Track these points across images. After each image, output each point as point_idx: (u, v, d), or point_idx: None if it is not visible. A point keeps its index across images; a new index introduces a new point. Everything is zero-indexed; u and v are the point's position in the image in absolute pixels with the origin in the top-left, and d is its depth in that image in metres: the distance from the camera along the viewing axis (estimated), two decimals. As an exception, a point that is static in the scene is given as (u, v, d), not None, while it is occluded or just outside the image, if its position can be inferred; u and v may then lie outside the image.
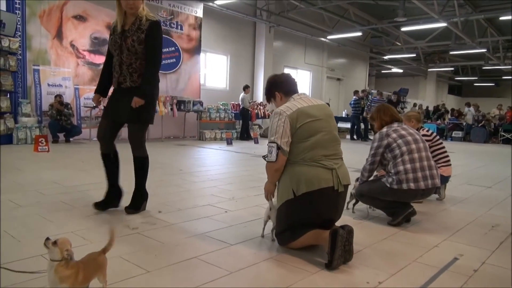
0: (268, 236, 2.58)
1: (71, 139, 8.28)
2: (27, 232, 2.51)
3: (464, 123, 15.53)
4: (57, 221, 2.76)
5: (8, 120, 7.33)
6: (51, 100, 8.01)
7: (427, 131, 4.04)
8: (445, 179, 3.95)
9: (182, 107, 10.23)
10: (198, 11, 11.25)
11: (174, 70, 10.75)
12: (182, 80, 10.98)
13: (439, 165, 3.84)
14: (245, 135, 11.25)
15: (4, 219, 2.74)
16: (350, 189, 2.90)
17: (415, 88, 25.79)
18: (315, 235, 2.25)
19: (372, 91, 17.04)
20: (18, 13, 7.60)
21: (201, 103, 10.68)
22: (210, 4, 11.49)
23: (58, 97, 7.93)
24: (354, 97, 13.14)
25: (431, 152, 3.51)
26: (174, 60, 10.72)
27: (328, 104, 2.53)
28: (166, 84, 10.49)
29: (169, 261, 2.12)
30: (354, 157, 6.45)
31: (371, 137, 11.55)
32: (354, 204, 3.38)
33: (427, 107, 21.46)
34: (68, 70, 8.63)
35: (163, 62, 10.34)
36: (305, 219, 2.32)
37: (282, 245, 2.41)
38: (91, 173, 4.69)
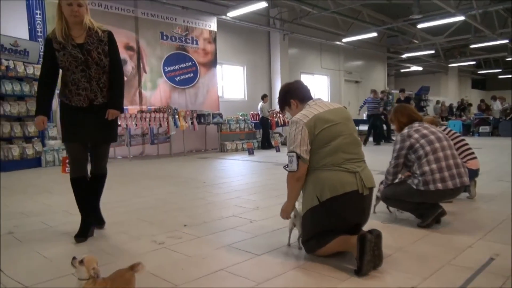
0: (294, 244, 2.56)
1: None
2: (58, 252, 2.56)
3: (491, 117, 15.03)
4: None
5: (36, 144, 7.58)
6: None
7: (444, 129, 3.91)
8: (474, 173, 3.78)
9: (202, 120, 10.32)
10: (212, 25, 11.41)
11: (193, 84, 10.89)
12: (201, 93, 11.11)
13: (464, 159, 3.71)
14: (266, 144, 11.25)
15: (36, 240, 2.83)
16: (375, 192, 2.84)
17: (436, 85, 25.25)
18: (343, 241, 2.20)
19: (393, 91, 16.75)
20: (41, 41, 7.89)
21: (220, 115, 10.76)
22: (223, 17, 11.64)
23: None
24: (369, 96, 12.05)
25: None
26: (192, 74, 10.86)
27: (345, 107, 2.50)
28: (185, 98, 10.63)
29: (196, 274, 2.13)
30: (378, 159, 6.33)
31: (393, 138, 11.25)
32: (374, 206, 3.31)
33: (451, 104, 20.94)
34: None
35: (182, 77, 10.69)
36: (331, 225, 2.28)
37: (309, 252, 2.37)
38: (115, 191, 4.78)
